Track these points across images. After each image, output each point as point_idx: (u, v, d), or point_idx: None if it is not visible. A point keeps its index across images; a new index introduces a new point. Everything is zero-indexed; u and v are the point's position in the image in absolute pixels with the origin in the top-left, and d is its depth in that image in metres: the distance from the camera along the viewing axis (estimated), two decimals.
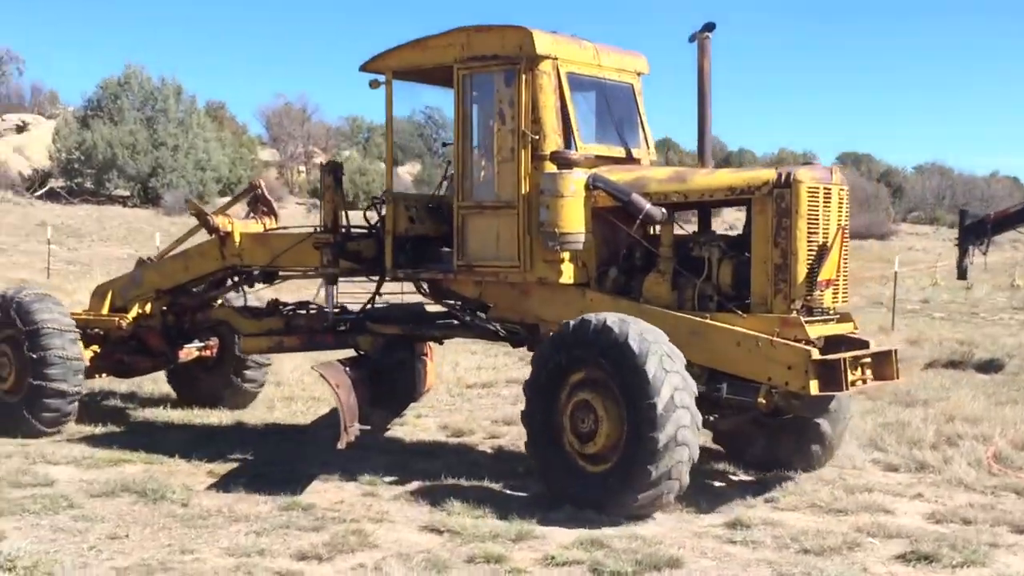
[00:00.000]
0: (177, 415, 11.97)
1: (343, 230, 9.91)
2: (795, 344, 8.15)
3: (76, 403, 10.80)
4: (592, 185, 8.77)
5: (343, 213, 9.92)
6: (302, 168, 70.34)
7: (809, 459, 9.40)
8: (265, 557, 7.05)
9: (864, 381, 8.51)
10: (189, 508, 8.18)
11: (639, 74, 9.96)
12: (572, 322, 8.24)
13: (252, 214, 11.41)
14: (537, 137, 8.87)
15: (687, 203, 8.92)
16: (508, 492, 8.75)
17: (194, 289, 11.52)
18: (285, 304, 11.07)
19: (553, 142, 8.88)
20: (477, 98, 9.29)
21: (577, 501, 8.12)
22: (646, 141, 9.89)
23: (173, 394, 12.70)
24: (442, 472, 9.13)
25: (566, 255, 8.87)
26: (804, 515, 8.25)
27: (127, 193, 53.61)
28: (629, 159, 9.63)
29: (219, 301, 11.64)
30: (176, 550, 7.17)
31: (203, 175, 53.97)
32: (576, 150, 8.98)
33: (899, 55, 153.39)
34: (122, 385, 13.31)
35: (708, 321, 8.49)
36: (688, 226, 9.52)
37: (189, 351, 11.89)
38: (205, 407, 12.26)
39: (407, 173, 75.84)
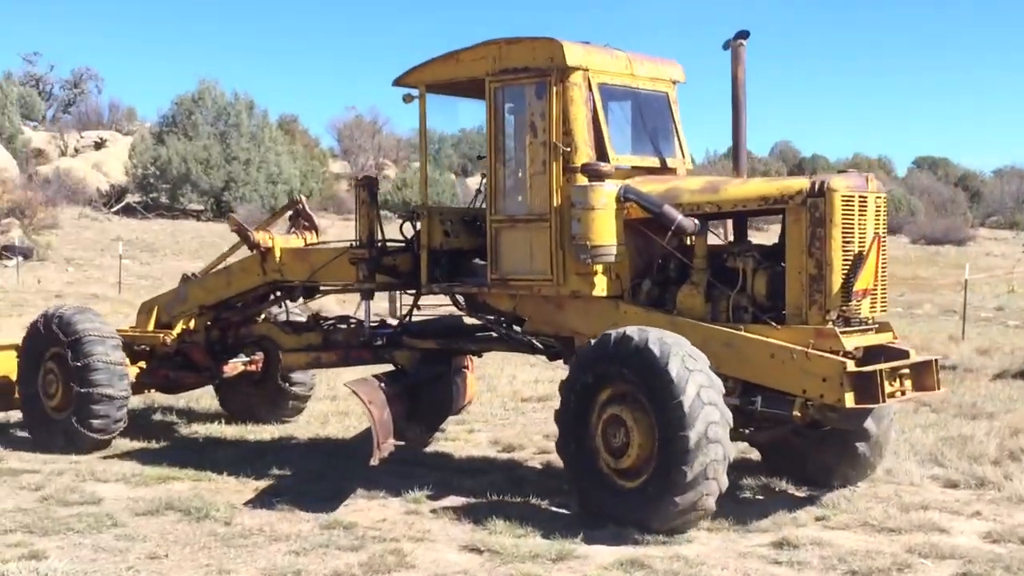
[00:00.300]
0: (230, 431, 12.11)
1: (378, 244, 9.97)
2: (830, 356, 8.05)
3: (125, 409, 10.98)
4: (624, 197, 8.74)
5: (378, 227, 9.99)
6: None
7: (855, 470, 9.27)
8: None
9: (903, 392, 8.36)
10: (231, 527, 8.27)
11: (675, 82, 9.90)
12: (593, 341, 8.24)
13: (293, 229, 11.52)
14: (568, 149, 8.86)
15: (720, 213, 8.86)
16: (554, 510, 8.72)
17: (238, 304, 11.66)
18: (325, 319, 11.18)
19: (585, 154, 8.87)
20: (509, 111, 9.31)
21: (606, 515, 8.09)
22: (681, 150, 9.84)
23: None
24: (488, 489, 9.12)
25: (599, 267, 8.85)
26: (855, 534, 8.10)
27: (201, 207, 54.48)
28: (664, 169, 9.58)
29: (262, 316, 11.78)
30: (214, 570, 7.27)
31: (275, 188, 54.58)
32: (609, 162, 8.95)
33: (978, 58, 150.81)
34: (178, 400, 13.51)
35: (741, 333, 8.41)
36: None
37: (234, 366, 12.04)
38: (258, 423, 12.39)
39: (474, 184, 76.17)
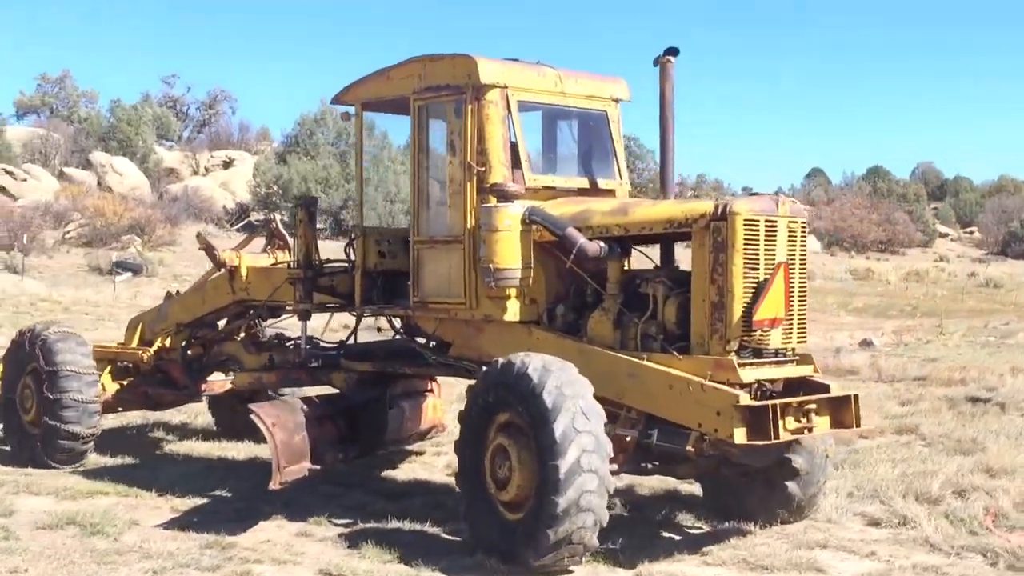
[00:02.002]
0: (203, 447, 12.09)
1: (315, 265, 9.84)
2: (724, 388, 7.61)
3: (90, 444, 11.00)
4: (529, 219, 8.44)
5: (315, 248, 9.87)
6: None
7: (787, 509, 8.76)
8: None
9: (809, 429, 7.84)
10: (115, 543, 8.22)
11: (616, 100, 9.53)
12: (501, 360, 7.89)
13: (268, 248, 11.50)
14: (483, 169, 8.60)
15: (628, 236, 8.44)
16: (445, 537, 8.49)
17: (215, 322, 11.66)
18: (287, 339, 11.09)
19: (499, 174, 8.60)
20: (431, 129, 9.10)
21: (490, 546, 7.79)
22: (619, 171, 9.47)
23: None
24: (396, 514, 8.92)
25: (511, 292, 8.57)
26: (728, 570, 7.69)
27: (320, 226, 55.43)
28: (595, 191, 9.22)
29: (241, 335, 11.75)
30: None
31: (392, 207, 55.20)
32: (524, 182, 8.66)
33: None
34: (175, 416, 13.60)
35: (644, 363, 8.02)
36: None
37: (211, 384, 12.02)
38: (244, 439, 12.36)
39: None
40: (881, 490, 9.61)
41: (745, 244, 7.79)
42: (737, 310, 7.79)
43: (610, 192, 9.34)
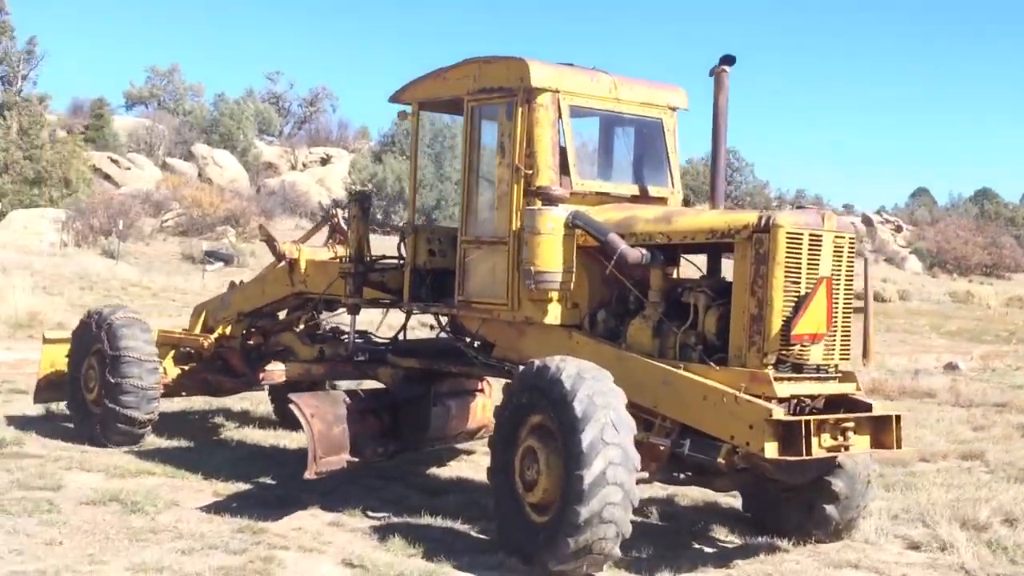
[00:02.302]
0: (257, 435, 12.29)
1: (367, 260, 9.94)
2: (757, 401, 7.52)
3: (147, 428, 11.25)
4: (572, 223, 8.43)
5: (367, 244, 9.96)
6: None
7: (823, 530, 8.64)
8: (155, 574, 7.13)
9: (846, 448, 7.71)
10: (151, 522, 8.40)
11: (673, 109, 9.48)
12: (537, 362, 7.87)
13: (329, 241, 11.63)
14: (530, 172, 8.62)
15: (671, 245, 8.38)
16: (476, 535, 8.50)
17: (277, 313, 11.83)
18: (342, 332, 11.20)
19: (546, 177, 8.60)
20: (484, 131, 9.14)
21: (514, 546, 7.80)
22: (672, 179, 9.41)
23: None
24: (432, 510, 8.97)
25: (553, 295, 8.57)
26: None
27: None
28: (645, 198, 9.18)
29: (301, 326, 11.90)
30: (87, 561, 7.36)
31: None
32: (572, 186, 8.66)
33: None
34: (237, 403, 13.83)
35: (679, 371, 7.96)
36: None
37: (270, 373, 12.15)
38: (299, 428, 12.48)
39: None
40: (928, 514, 9.41)
41: (787, 257, 7.68)
42: (776, 323, 7.68)
43: (662, 200, 9.29)
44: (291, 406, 8.88)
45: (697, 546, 8.65)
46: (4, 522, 8.14)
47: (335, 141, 64.81)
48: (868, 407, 8.04)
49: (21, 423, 11.97)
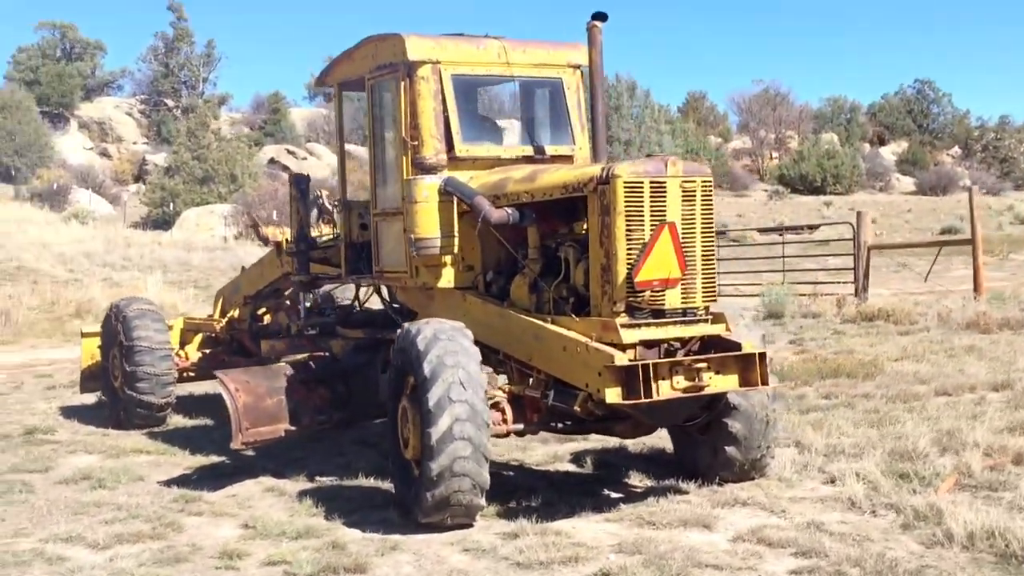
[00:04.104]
0: None
1: (308, 239, 10.52)
2: (602, 348, 7.74)
3: (165, 412, 12.13)
4: (443, 189, 8.78)
5: (307, 223, 10.53)
6: (775, 154, 69.79)
7: (729, 472, 8.78)
8: (62, 543, 7.86)
9: (700, 388, 7.82)
10: (99, 495, 9.17)
11: (576, 67, 9.66)
12: (405, 326, 8.31)
13: (318, 221, 12.25)
14: (416, 143, 9.00)
15: (535, 203, 8.61)
16: (384, 493, 8.94)
17: (283, 293, 12.56)
18: (323, 307, 11.81)
19: (431, 147, 8.98)
20: (381, 107, 9.55)
21: (399, 500, 8.27)
22: (574, 136, 9.60)
23: None
24: (380, 472, 9.40)
25: (447, 259, 8.96)
26: (618, 526, 7.88)
27: None
28: (542, 157, 9.41)
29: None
30: (11, 534, 8.19)
31: None
32: (455, 153, 9.00)
33: None
34: None
35: (545, 325, 8.24)
36: None
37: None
38: None
39: (892, 153, 72.84)
40: (864, 447, 9.47)
41: (627, 206, 7.83)
42: (621, 272, 7.85)
43: (567, 159, 9.50)
44: (216, 381, 9.54)
45: (605, 492, 8.89)
46: None
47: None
48: (737, 347, 8.12)
49: (68, 412, 13.12)
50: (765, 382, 8.00)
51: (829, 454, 9.64)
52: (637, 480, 9.18)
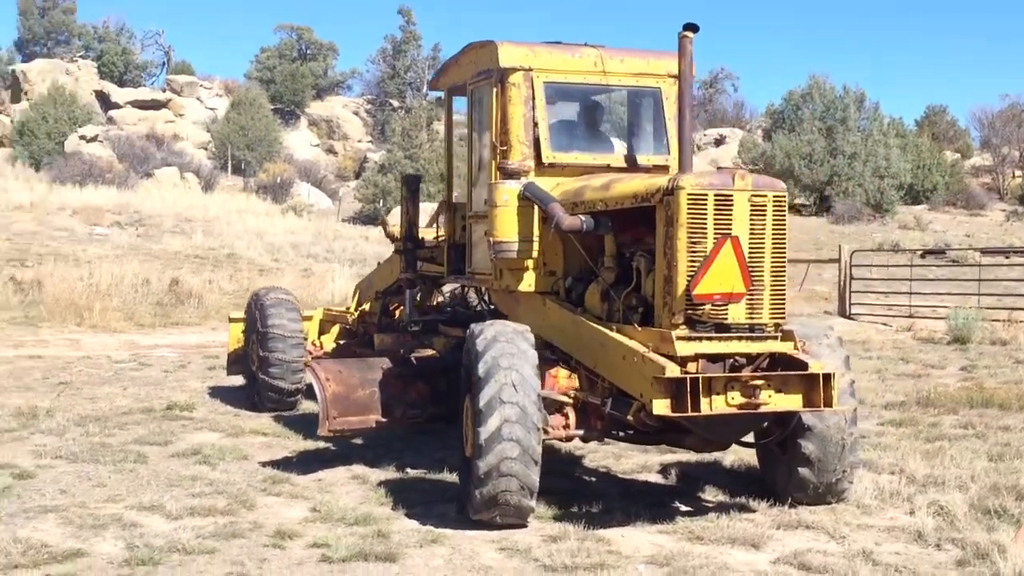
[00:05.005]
0: None
1: (418, 238, 10.81)
2: (656, 359, 7.72)
3: (296, 397, 12.65)
4: (523, 195, 8.90)
5: (417, 222, 10.82)
6: (1017, 173, 66.52)
7: (804, 493, 8.61)
8: (144, 511, 8.39)
9: (756, 407, 7.68)
10: (200, 470, 9.73)
11: (675, 77, 9.59)
12: (473, 327, 8.48)
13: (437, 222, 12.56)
14: (505, 148, 9.16)
15: (609, 211, 8.62)
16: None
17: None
18: (443, 305, 12.11)
19: (519, 152, 9.12)
20: (479, 111, 9.74)
21: (458, 491, 8.47)
22: (669, 147, 9.56)
23: None
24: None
25: (528, 263, 9.09)
26: (667, 538, 7.88)
27: (804, 201, 55.04)
28: (633, 167, 9.40)
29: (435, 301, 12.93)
30: (103, 498, 8.77)
31: (880, 183, 53.70)
32: (543, 161, 9.11)
33: None
34: None
35: (609, 333, 8.28)
36: None
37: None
38: None
39: None
40: (961, 480, 9.14)
41: (690, 218, 7.78)
42: (681, 284, 7.80)
43: (662, 169, 9.47)
44: (307, 371, 9.94)
45: (676, 504, 8.85)
46: (86, 468, 9.78)
47: (731, 121, 64.90)
48: (804, 366, 7.95)
49: (215, 392, 13.87)
50: (829, 404, 7.79)
51: (927, 484, 9.31)
52: (712, 495, 9.09)
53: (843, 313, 25.37)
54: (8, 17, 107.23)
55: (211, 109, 56.58)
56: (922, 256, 36.29)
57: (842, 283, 25.67)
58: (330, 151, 58.77)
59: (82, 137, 47.05)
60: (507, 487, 7.78)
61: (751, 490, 9.01)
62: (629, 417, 8.04)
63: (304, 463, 10.11)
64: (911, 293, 25.22)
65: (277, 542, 7.69)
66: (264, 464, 10.07)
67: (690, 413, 7.53)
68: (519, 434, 7.75)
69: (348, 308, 13.81)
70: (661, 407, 7.55)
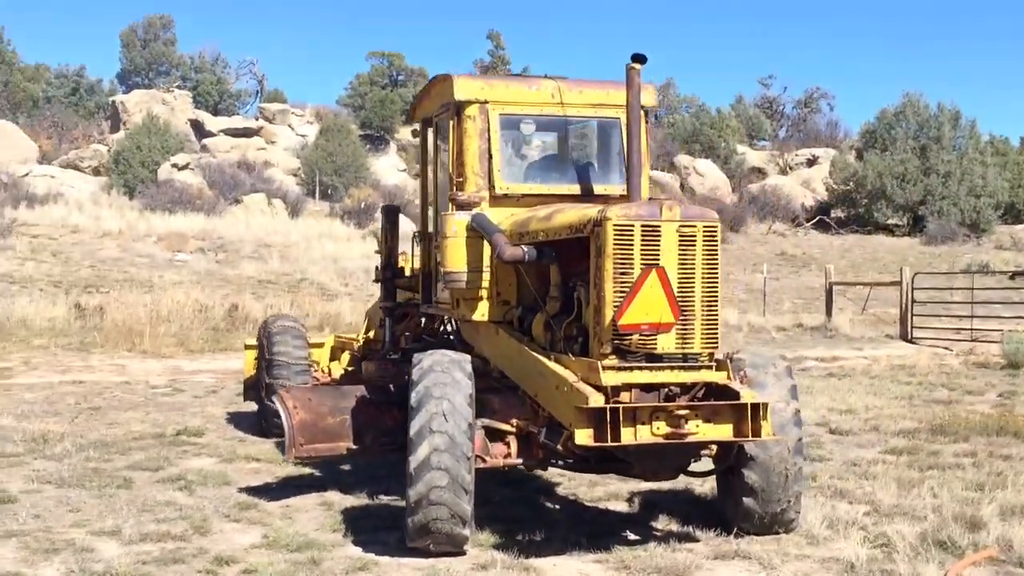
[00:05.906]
0: None
1: (394, 267, 10.99)
2: (582, 389, 7.76)
3: None
4: (470, 226, 9.00)
5: (396, 252, 11.00)
6: None
7: (749, 524, 8.56)
8: (103, 536, 8.64)
9: (681, 436, 7.67)
10: (175, 495, 10.01)
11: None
12: (416, 356, 8.58)
13: None
14: (461, 179, 9.29)
15: (550, 242, 8.66)
16: None
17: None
18: (421, 333, 12.21)
19: (473, 184, 9.23)
20: (444, 142, 9.88)
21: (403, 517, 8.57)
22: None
23: None
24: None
25: (483, 293, 9.19)
26: (599, 567, 7.90)
27: (897, 222, 54.12)
28: (588, 196, 9.42)
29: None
30: (69, 523, 9.06)
31: (976, 202, 52.55)
32: (495, 191, 9.21)
33: None
34: None
35: (547, 362, 8.33)
36: None
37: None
38: None
39: None
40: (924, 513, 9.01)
41: (616, 249, 7.81)
42: (608, 314, 7.84)
43: (622, 199, 9.48)
44: (275, 398, 10.15)
45: (626, 533, 8.85)
46: (69, 493, 10.11)
47: (824, 140, 64.00)
48: (735, 395, 7.92)
49: (231, 417, 14.21)
50: (758, 434, 7.76)
51: (891, 514, 9.23)
52: (664, 524, 9.07)
53: (905, 337, 24.93)
54: (111, 49, 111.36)
55: (302, 136, 57.67)
56: (1011, 278, 35.43)
57: (903, 306, 25.22)
58: (417, 176, 58.84)
59: (174, 165, 48.33)
60: (437, 515, 7.88)
61: (708, 520, 8.96)
62: (559, 446, 8.08)
63: (280, 489, 10.32)
64: (972, 316, 24.68)
65: (212, 568, 7.88)
66: (241, 490, 10.30)
67: (610, 443, 7.55)
68: (447, 463, 7.84)
69: (358, 335, 14.02)
70: (583, 437, 7.59)
